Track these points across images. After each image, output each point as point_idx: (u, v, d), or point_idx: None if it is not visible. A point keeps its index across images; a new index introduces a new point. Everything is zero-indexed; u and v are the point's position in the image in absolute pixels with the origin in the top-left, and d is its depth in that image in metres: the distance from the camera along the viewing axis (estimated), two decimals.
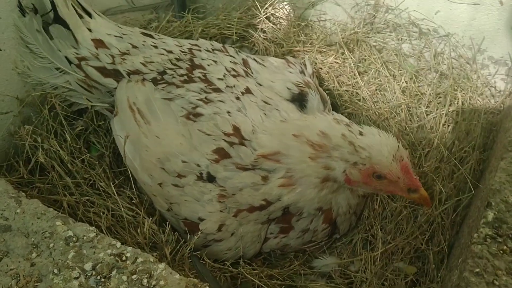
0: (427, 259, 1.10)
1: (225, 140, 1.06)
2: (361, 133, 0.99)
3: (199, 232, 1.03)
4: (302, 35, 1.54)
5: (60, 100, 1.23)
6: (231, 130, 1.07)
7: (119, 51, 1.19)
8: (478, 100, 1.38)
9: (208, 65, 1.20)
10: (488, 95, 1.42)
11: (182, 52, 1.22)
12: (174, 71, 1.17)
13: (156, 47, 1.22)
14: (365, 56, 1.49)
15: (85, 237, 0.87)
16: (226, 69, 1.20)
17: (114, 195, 1.13)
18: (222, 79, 1.16)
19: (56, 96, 1.21)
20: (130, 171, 1.14)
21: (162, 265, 0.82)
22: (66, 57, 1.18)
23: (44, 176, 1.17)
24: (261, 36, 1.56)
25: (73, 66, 1.18)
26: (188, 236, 1.05)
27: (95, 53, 1.17)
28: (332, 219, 1.11)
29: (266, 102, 1.14)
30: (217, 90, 1.14)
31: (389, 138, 0.98)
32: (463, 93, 1.37)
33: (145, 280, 0.80)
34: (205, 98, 1.12)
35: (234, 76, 1.19)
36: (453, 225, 1.14)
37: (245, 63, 1.25)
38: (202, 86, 1.14)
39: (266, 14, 1.57)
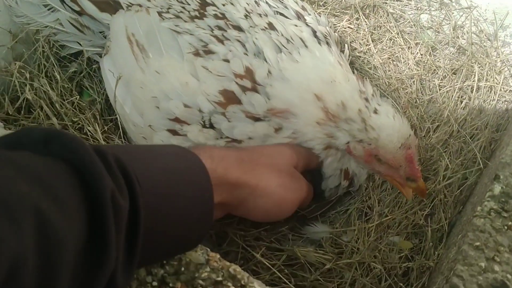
0: (425, 236, 1.03)
1: (236, 83, 0.95)
2: (376, 111, 0.91)
3: None
4: None
5: (53, 40, 1.17)
6: (243, 72, 0.95)
7: None
8: (495, 78, 1.30)
9: (224, 4, 1.08)
10: (507, 74, 1.33)
11: None
12: (182, 7, 1.07)
13: None
14: (381, 23, 1.41)
15: None
16: (246, 9, 1.08)
17: (101, 140, 1.07)
18: (244, 19, 1.05)
19: (45, 37, 1.15)
20: (120, 118, 1.07)
21: None
22: None
23: (30, 115, 1.11)
24: None
25: (67, 0, 1.10)
26: None
27: None
28: (350, 176, 1.04)
29: (290, 39, 1.02)
30: (238, 28, 1.03)
31: (402, 123, 0.90)
32: (481, 68, 1.29)
33: None
34: (222, 35, 1.01)
35: (259, 15, 1.07)
36: (456, 203, 1.08)
37: (257, 4, 1.12)
38: (218, 23, 1.03)
39: None
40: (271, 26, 1.04)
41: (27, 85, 1.10)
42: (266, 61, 0.98)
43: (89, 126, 1.11)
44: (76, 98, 1.13)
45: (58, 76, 1.14)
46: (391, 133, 0.88)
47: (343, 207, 1.13)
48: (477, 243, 0.74)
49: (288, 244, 1.01)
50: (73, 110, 1.12)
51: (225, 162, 0.78)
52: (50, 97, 1.11)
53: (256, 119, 0.95)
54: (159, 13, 1.05)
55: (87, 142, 0.50)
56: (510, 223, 0.77)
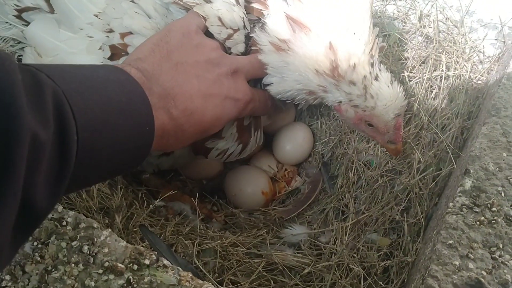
0: (403, 231, 1.03)
1: None
2: (376, 77, 0.86)
3: None
4: None
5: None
6: None
7: None
8: (464, 65, 1.29)
9: None
10: (476, 60, 1.33)
11: None
12: None
13: None
14: None
15: None
16: None
17: None
18: None
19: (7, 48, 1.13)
20: None
21: (106, 232, 0.75)
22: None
23: None
24: None
25: (10, 17, 1.07)
26: None
27: (36, 4, 1.03)
28: None
29: None
30: None
31: (399, 93, 0.88)
32: (448, 57, 1.29)
33: (86, 247, 0.73)
34: None
35: None
36: (431, 196, 1.07)
37: None
38: None
39: None
40: None
41: None
42: None
43: None
44: None
45: None
46: (388, 104, 0.86)
47: (320, 207, 1.12)
48: (450, 241, 0.74)
49: (266, 249, 1.00)
50: None
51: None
52: None
53: None
54: None
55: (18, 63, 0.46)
56: (482, 218, 0.77)
